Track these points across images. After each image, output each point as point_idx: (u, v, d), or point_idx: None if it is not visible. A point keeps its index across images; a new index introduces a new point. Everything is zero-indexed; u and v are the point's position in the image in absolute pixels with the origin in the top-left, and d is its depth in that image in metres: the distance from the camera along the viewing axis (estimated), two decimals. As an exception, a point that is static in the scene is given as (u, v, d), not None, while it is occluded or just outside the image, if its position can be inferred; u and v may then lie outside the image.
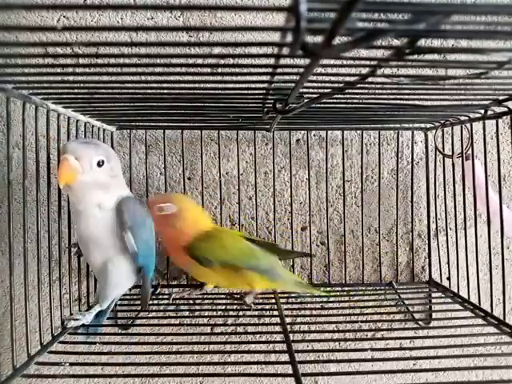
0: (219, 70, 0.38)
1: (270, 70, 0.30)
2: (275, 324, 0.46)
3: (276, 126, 0.55)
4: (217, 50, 0.38)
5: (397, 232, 0.61)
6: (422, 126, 0.60)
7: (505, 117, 0.46)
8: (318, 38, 0.19)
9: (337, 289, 0.60)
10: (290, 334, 0.41)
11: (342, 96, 0.40)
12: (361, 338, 0.58)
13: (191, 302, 0.56)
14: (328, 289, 0.59)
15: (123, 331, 0.55)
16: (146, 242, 0.45)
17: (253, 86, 0.36)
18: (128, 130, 0.59)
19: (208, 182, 0.61)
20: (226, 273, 0.50)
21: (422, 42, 0.23)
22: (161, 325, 0.53)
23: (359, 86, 0.33)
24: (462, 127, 0.54)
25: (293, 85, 0.31)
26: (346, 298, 0.58)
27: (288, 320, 0.46)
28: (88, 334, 0.46)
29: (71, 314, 0.46)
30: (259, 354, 0.44)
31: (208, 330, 0.60)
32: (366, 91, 0.39)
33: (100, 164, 0.41)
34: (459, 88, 0.38)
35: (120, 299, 0.54)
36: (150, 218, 0.47)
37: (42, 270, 0.43)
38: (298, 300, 0.55)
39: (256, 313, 0.51)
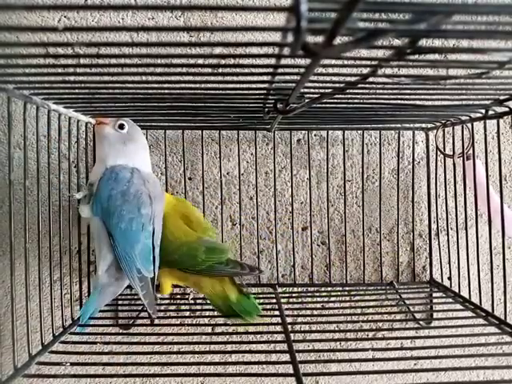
0: (220, 70, 0.38)
1: (270, 70, 0.30)
2: (276, 324, 0.46)
3: (277, 125, 0.55)
4: (218, 50, 0.38)
5: (398, 232, 0.61)
6: (423, 125, 0.60)
7: (506, 117, 0.46)
8: (319, 38, 0.19)
9: (338, 289, 0.60)
10: (291, 334, 0.41)
11: (343, 96, 0.40)
12: (362, 338, 0.58)
13: (192, 301, 0.56)
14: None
15: (124, 331, 0.55)
16: (115, 210, 0.43)
17: (254, 86, 0.36)
18: (129, 130, 0.59)
19: (209, 182, 0.61)
20: (173, 274, 0.49)
21: (423, 42, 0.23)
22: (162, 325, 0.53)
23: (360, 85, 0.33)
24: (462, 127, 0.53)
25: (294, 85, 0.31)
26: (347, 298, 0.58)
27: (289, 320, 0.46)
28: (87, 334, 0.45)
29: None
30: (260, 353, 0.44)
31: (209, 329, 0.60)
32: (367, 91, 0.39)
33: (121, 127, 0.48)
34: (460, 88, 0.37)
35: (120, 299, 0.54)
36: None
37: (43, 270, 0.43)
38: (299, 300, 0.55)
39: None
